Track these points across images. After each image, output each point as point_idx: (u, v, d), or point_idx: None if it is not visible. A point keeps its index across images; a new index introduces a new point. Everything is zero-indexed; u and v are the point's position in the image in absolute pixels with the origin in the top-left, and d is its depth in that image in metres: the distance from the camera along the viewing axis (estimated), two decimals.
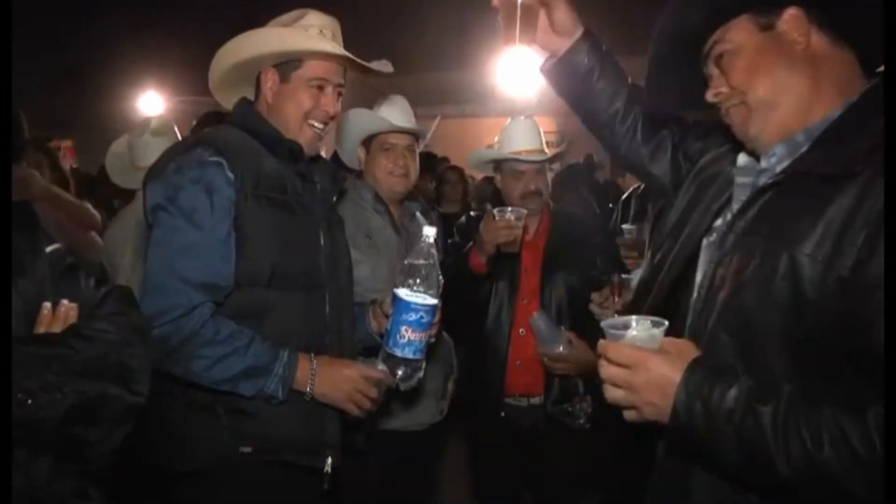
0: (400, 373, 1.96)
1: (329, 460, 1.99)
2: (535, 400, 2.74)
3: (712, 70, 1.42)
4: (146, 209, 1.86)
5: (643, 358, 1.22)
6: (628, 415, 1.27)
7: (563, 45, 1.73)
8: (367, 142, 2.67)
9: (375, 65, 2.10)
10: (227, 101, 2.12)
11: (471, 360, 2.85)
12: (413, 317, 1.89)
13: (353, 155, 2.73)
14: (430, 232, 1.96)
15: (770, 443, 1.11)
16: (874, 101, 1.25)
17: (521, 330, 2.72)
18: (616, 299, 2.39)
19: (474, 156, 3.05)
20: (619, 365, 1.24)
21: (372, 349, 2.15)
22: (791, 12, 1.32)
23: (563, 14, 1.71)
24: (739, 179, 1.46)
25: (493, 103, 11.80)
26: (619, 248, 2.97)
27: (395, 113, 2.66)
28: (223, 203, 1.81)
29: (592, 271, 2.76)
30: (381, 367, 1.96)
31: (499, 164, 2.88)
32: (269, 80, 1.99)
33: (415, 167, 2.69)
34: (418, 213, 2.77)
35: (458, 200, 5.75)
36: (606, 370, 1.26)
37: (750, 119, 1.36)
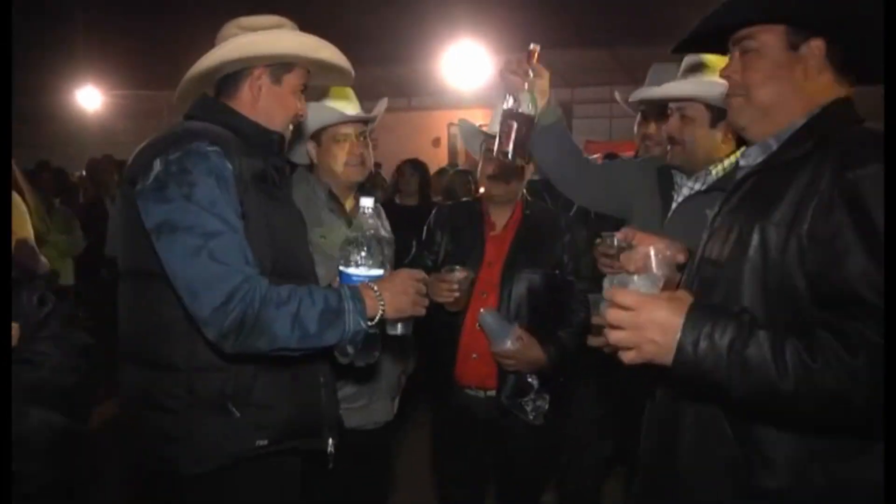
0: (350, 350, 1.91)
1: (331, 440, 2.01)
2: (492, 393, 2.74)
3: (734, 53, 1.62)
4: (149, 210, 1.74)
5: (646, 300, 1.38)
6: (628, 355, 1.39)
7: None
8: (316, 135, 2.63)
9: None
10: (184, 98, 2.06)
11: (428, 351, 2.84)
12: None
13: (300, 149, 2.69)
14: (366, 203, 1.94)
15: (771, 363, 1.27)
16: (831, 113, 1.51)
17: (478, 323, 2.72)
18: (532, 63, 2.29)
19: (465, 124, 2.95)
20: (624, 308, 1.38)
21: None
22: (817, 44, 1.51)
23: None
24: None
25: (441, 97, 11.82)
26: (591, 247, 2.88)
27: (342, 103, 2.61)
28: (232, 192, 1.77)
29: (556, 271, 2.74)
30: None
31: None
32: (260, 79, 1.95)
33: (369, 154, 2.65)
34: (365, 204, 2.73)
35: (413, 193, 5.75)
36: (612, 313, 1.39)
37: (744, 113, 1.60)
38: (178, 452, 1.78)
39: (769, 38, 1.54)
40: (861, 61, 1.52)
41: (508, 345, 2.58)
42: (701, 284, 1.57)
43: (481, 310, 2.63)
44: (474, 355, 2.71)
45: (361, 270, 1.87)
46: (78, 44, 9.16)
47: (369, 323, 1.81)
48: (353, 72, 2.11)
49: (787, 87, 1.54)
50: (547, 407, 2.70)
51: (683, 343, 1.33)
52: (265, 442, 1.82)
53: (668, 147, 2.44)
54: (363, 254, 1.88)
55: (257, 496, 1.86)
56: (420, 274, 1.92)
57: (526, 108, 2.15)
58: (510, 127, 2.17)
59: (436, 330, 2.75)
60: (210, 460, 1.78)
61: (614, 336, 1.39)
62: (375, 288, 1.83)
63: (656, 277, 1.50)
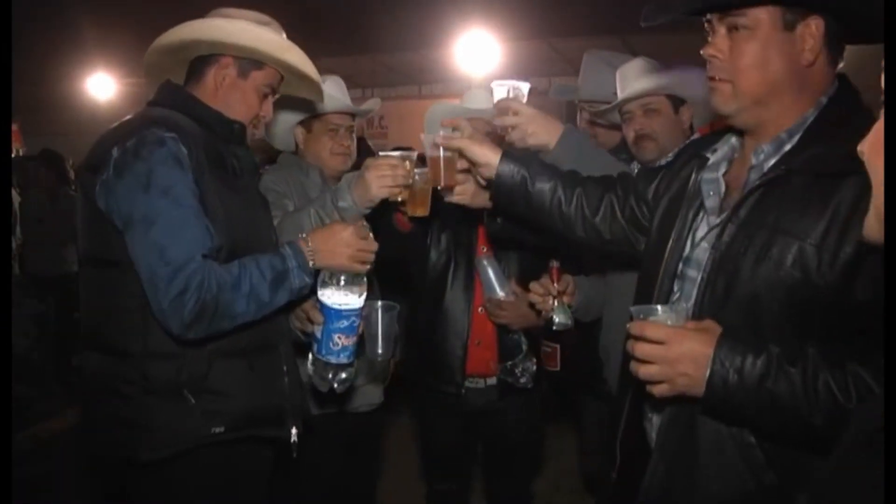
0: (330, 376, 1.97)
1: (294, 430, 2.01)
2: (492, 381, 2.74)
3: (719, 29, 1.44)
4: (115, 203, 1.76)
5: (677, 334, 1.32)
6: (660, 389, 1.35)
7: (492, 170, 1.93)
8: (307, 122, 2.67)
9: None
10: (158, 73, 2.05)
11: (425, 337, 2.81)
12: (345, 323, 1.91)
13: (286, 136, 2.72)
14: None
15: (802, 400, 1.24)
16: (844, 100, 1.40)
17: (479, 308, 2.71)
18: (555, 285, 2.38)
19: (441, 107, 2.83)
20: (654, 342, 1.33)
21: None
22: (815, 21, 1.36)
23: (482, 151, 1.92)
24: (707, 175, 1.55)
25: (451, 85, 11.77)
26: None
27: (339, 94, 2.67)
28: (190, 177, 1.78)
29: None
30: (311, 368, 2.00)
31: None
32: (227, 69, 1.96)
33: (354, 147, 2.73)
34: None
35: None
36: (641, 348, 1.34)
37: (731, 101, 1.45)
38: (134, 438, 1.80)
39: (762, 15, 1.37)
40: (850, 39, 1.38)
41: (501, 293, 2.57)
42: (711, 306, 1.45)
43: (481, 255, 2.62)
44: (477, 341, 2.71)
45: (346, 304, 1.91)
46: (88, 30, 9.15)
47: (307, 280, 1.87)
48: (321, 83, 2.12)
49: (781, 74, 1.39)
50: (535, 369, 2.69)
51: (713, 377, 1.29)
52: (221, 429, 1.84)
53: (636, 145, 2.49)
54: (344, 281, 1.91)
55: (215, 483, 1.87)
56: (364, 232, 1.95)
57: (562, 320, 2.36)
58: (555, 349, 2.68)
59: (435, 320, 2.74)
60: (166, 447, 1.80)
61: (645, 371, 1.35)
62: (310, 243, 1.88)
63: (683, 309, 1.43)
